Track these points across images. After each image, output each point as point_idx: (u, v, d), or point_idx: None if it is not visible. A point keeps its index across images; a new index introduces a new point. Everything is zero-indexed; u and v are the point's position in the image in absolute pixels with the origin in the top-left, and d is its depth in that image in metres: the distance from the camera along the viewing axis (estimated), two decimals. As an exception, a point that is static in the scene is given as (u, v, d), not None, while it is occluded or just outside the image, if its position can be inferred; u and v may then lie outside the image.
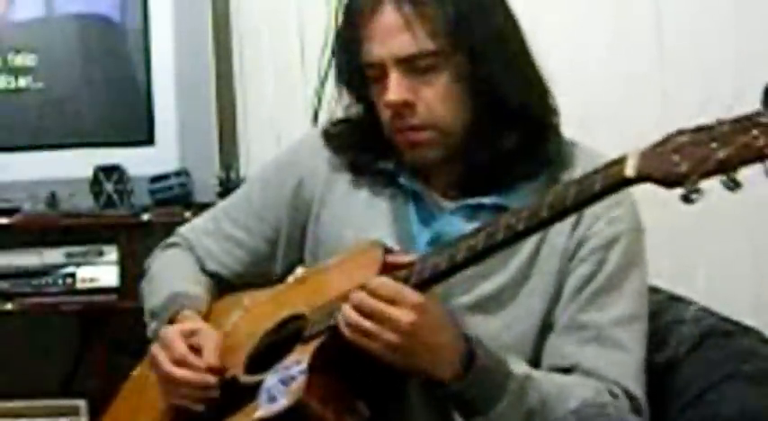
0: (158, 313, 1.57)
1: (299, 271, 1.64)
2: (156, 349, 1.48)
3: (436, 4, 1.41)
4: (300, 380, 1.30)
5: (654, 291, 1.66)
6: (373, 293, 1.26)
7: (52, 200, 2.70)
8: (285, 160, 1.64)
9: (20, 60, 2.73)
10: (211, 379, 1.42)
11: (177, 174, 2.67)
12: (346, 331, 1.29)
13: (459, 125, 1.45)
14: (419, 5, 1.41)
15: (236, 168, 2.73)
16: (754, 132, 1.03)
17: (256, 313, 1.52)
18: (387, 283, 1.27)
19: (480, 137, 1.45)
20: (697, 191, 1.06)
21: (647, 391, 1.43)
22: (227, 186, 2.59)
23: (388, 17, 1.42)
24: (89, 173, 2.67)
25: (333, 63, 1.54)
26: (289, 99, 2.74)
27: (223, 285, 1.65)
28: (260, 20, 2.79)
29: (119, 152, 2.72)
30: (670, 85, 2.58)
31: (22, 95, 2.74)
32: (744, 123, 1.04)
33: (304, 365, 1.32)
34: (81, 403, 2.72)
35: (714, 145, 1.05)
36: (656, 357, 1.52)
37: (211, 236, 1.66)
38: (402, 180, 1.51)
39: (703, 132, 1.07)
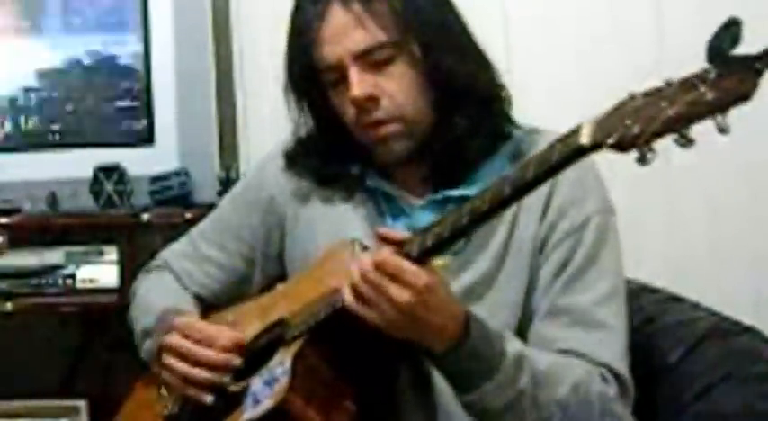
0: (152, 331, 1.58)
1: (280, 286, 1.65)
2: (173, 338, 1.50)
3: None
4: (283, 381, 1.32)
5: (654, 291, 1.66)
6: (378, 268, 1.26)
7: (52, 200, 2.70)
8: (254, 179, 1.67)
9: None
10: (237, 359, 1.45)
11: (177, 174, 2.67)
12: (348, 293, 1.28)
13: (422, 113, 1.47)
14: (366, 2, 1.44)
15: (236, 168, 2.73)
16: (702, 89, 1.04)
17: (241, 325, 1.54)
18: (392, 260, 1.26)
19: (441, 122, 1.48)
20: (651, 150, 1.06)
21: (646, 391, 1.43)
22: (227, 186, 2.59)
23: (338, 18, 1.45)
24: (89, 173, 2.67)
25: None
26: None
27: (204, 306, 1.67)
28: (260, 20, 2.78)
29: (119, 152, 2.72)
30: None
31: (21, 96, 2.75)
32: (692, 81, 1.05)
33: (287, 366, 1.33)
34: (81, 403, 2.72)
35: (664, 104, 1.05)
36: (657, 357, 1.52)
37: (189, 258, 1.69)
38: (369, 182, 1.54)
39: (654, 94, 1.08)
